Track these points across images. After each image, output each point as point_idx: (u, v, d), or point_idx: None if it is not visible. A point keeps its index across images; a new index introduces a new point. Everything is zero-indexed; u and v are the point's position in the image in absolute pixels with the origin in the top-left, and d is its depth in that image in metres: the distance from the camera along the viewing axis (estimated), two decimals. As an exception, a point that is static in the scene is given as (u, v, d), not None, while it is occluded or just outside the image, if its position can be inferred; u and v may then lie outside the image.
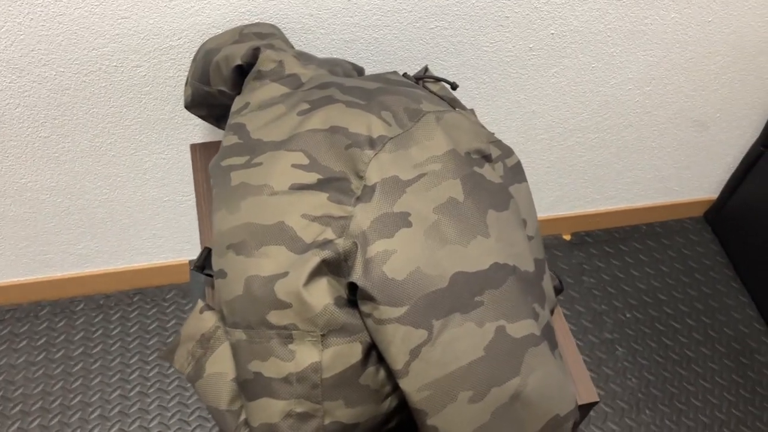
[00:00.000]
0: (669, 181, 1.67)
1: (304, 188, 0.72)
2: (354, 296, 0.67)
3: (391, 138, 0.74)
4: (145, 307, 1.55)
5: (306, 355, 0.66)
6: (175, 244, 1.51)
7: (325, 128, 0.76)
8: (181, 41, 1.09)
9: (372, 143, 0.73)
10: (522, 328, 0.69)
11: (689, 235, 1.76)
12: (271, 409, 0.67)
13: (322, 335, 0.66)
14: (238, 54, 0.90)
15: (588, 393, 0.85)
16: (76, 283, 1.53)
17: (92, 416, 1.39)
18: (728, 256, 1.72)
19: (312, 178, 0.73)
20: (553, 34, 1.22)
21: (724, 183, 1.72)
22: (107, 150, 1.25)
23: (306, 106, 0.80)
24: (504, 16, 1.17)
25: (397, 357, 0.64)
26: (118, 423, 1.39)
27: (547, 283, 0.82)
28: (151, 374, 1.45)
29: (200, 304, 0.81)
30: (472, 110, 1.11)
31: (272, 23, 1.09)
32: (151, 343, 1.49)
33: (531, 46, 1.23)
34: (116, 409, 1.41)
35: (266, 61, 0.89)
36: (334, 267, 0.67)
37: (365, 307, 0.66)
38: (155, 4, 1.03)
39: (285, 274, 0.67)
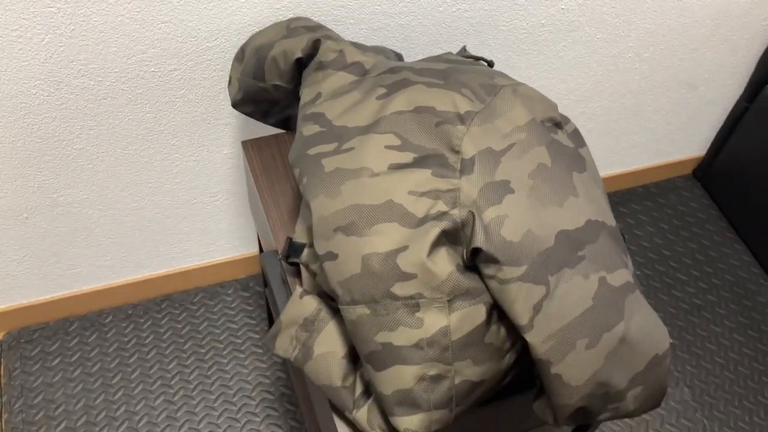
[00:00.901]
0: (662, 143, 1.76)
1: (403, 167, 0.76)
2: (472, 262, 0.72)
3: (477, 112, 0.78)
4: (174, 312, 1.55)
5: (434, 320, 0.70)
6: (200, 247, 1.51)
7: (410, 109, 0.80)
8: (218, 42, 1.11)
9: (461, 119, 0.77)
10: (619, 277, 0.75)
11: (682, 193, 1.85)
12: (404, 375, 0.71)
13: (449, 300, 0.70)
14: (297, 47, 0.93)
15: (661, 336, 0.91)
16: (102, 296, 1.53)
17: (140, 424, 1.40)
18: (720, 209, 1.82)
19: (407, 157, 0.77)
20: (563, 9, 1.28)
21: (710, 140, 1.82)
22: (140, 157, 1.25)
23: (383, 90, 0.83)
24: (519, -5, 1.22)
25: (522, 313, 0.69)
26: (167, 428, 1.40)
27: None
28: (192, 377, 1.46)
29: (299, 289, 0.84)
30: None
31: (310, 18, 1.12)
32: (186, 346, 1.50)
33: (543, 22, 1.29)
34: (163, 415, 1.41)
35: (327, 52, 0.92)
36: (452, 236, 0.71)
37: (489, 270, 0.70)
38: (195, 6, 1.04)
39: (405, 247, 0.71)
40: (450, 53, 0.97)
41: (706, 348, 1.59)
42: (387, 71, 0.87)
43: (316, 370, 0.81)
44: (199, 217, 1.44)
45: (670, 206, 1.83)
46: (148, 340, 1.51)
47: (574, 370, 0.70)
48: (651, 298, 1.65)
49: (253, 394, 1.45)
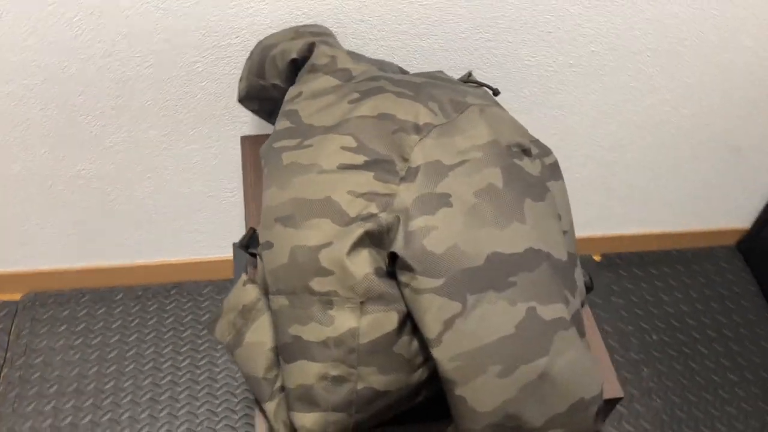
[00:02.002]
0: (701, 207, 1.68)
1: (351, 168, 0.76)
2: (394, 268, 0.71)
3: (436, 126, 0.78)
4: (182, 300, 1.60)
5: (345, 320, 0.70)
6: (215, 240, 1.56)
7: (374, 115, 0.80)
8: (238, 40, 1.15)
9: (418, 129, 0.77)
10: (552, 311, 0.72)
11: (720, 263, 1.76)
12: (307, 371, 0.71)
13: (361, 302, 0.69)
14: (294, 48, 0.96)
15: (612, 389, 0.87)
16: (118, 274, 1.59)
17: (124, 401, 1.44)
18: (759, 286, 1.71)
19: (359, 159, 0.77)
20: (593, 51, 1.26)
21: (758, 212, 1.72)
22: (159, 142, 1.31)
23: (356, 95, 0.84)
24: (547, 31, 1.21)
25: (432, 326, 0.68)
26: (148, 409, 1.43)
27: (579, 277, 0.84)
28: (182, 365, 1.49)
29: (244, 277, 0.85)
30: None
31: (325, 26, 1.15)
32: (185, 335, 1.54)
33: (571, 62, 1.27)
34: (147, 396, 1.45)
35: (320, 56, 0.94)
36: (377, 239, 0.71)
37: (404, 277, 0.69)
38: (217, 2, 1.09)
39: (329, 244, 0.71)
40: (442, 72, 0.97)
41: (716, 428, 1.48)
42: (368, 79, 0.88)
43: (243, 358, 0.81)
44: (215, 210, 1.48)
45: (704, 275, 1.73)
46: (150, 323, 1.55)
47: (481, 396, 0.68)
48: (664, 365, 1.56)
49: (237, 392, 1.47)
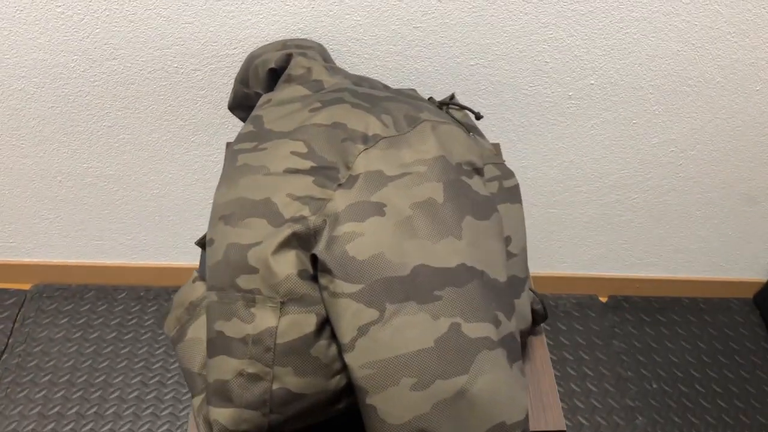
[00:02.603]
0: (715, 256, 1.62)
1: (296, 172, 0.77)
2: (315, 270, 0.71)
3: (385, 137, 0.79)
4: (181, 304, 1.63)
5: (265, 319, 0.70)
6: (216, 248, 1.58)
7: (328, 123, 0.81)
8: (237, 51, 1.19)
9: (365, 139, 0.78)
10: (478, 329, 0.70)
11: (734, 316, 1.68)
12: (226, 366, 0.71)
13: (282, 303, 0.70)
14: (273, 58, 0.98)
15: (556, 422, 0.84)
16: (123, 273, 1.64)
17: (111, 396, 1.47)
18: (774, 343, 1.64)
19: (306, 165, 0.78)
20: (592, 84, 1.25)
21: (775, 266, 1.66)
22: (162, 146, 1.35)
23: (318, 104, 0.86)
24: (543, 61, 1.21)
25: (346, 331, 0.67)
26: (133, 407, 1.45)
27: (524, 303, 0.83)
28: (172, 367, 1.52)
29: (195, 274, 0.87)
30: (497, 144, 1.14)
31: (319, 42, 1.17)
32: (178, 338, 1.56)
33: (570, 94, 1.26)
34: (134, 394, 1.47)
35: (297, 67, 0.96)
36: (304, 241, 0.71)
37: (323, 280, 0.69)
38: (217, 13, 1.13)
39: (259, 243, 0.72)
40: (414, 90, 0.98)
41: (709, 487, 1.41)
42: (333, 90, 0.89)
43: (183, 353, 0.82)
44: (216, 219, 1.51)
45: (715, 326, 1.66)
46: (147, 323, 1.59)
47: (391, 407, 0.67)
48: (661, 416, 1.50)
49: (220, 399, 1.48)
